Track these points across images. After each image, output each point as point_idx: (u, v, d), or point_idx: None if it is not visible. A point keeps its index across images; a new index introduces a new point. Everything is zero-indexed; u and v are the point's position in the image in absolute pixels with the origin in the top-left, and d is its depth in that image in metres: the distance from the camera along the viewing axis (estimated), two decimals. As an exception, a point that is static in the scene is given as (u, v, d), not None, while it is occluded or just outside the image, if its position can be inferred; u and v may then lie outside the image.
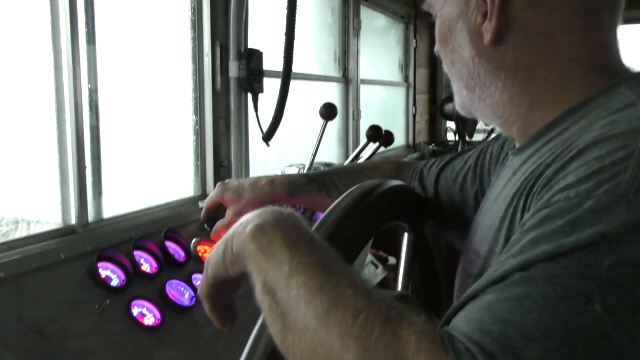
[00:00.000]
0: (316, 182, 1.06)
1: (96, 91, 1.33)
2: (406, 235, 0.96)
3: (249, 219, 0.58)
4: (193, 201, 1.66)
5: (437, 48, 0.80)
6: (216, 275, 0.63)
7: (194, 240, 1.41)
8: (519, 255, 0.47)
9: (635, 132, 0.50)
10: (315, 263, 0.51)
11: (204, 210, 1.11)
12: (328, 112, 1.14)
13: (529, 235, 0.48)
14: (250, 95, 1.71)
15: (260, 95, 1.72)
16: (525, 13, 0.66)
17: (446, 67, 0.78)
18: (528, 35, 0.66)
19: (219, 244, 0.62)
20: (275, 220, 0.57)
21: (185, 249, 1.38)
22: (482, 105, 0.74)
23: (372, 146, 1.18)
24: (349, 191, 0.76)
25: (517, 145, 0.73)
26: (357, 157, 1.21)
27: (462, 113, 0.79)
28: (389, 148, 1.22)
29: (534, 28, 0.66)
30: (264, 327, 0.56)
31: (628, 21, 0.71)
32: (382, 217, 0.80)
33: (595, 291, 0.42)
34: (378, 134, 1.24)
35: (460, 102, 0.78)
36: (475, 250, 0.74)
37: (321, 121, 1.16)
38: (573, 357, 0.40)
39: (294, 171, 1.31)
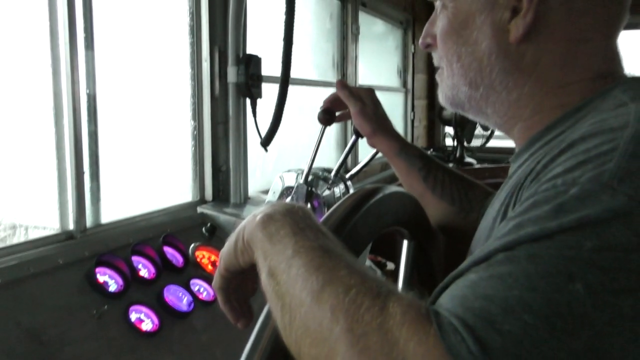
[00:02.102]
0: (424, 160, 1.05)
1: (94, 97, 1.33)
2: (405, 242, 0.96)
3: (261, 209, 0.60)
4: (191, 206, 1.65)
5: (427, 40, 0.79)
6: (227, 265, 0.65)
7: (192, 246, 1.41)
8: (502, 238, 0.48)
9: (621, 127, 0.51)
10: (317, 247, 0.53)
11: (323, 103, 1.12)
12: (326, 117, 1.14)
13: (514, 220, 0.49)
14: (248, 100, 1.71)
15: (259, 100, 1.72)
16: (558, 13, 0.65)
17: (444, 59, 0.75)
18: (553, 36, 0.66)
19: (231, 236, 0.64)
20: (286, 210, 0.59)
21: (183, 254, 1.37)
22: (482, 103, 0.73)
23: (371, 151, 1.18)
24: (350, 193, 0.76)
25: (516, 150, 0.74)
26: (349, 154, 1.21)
27: (448, 107, 0.78)
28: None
29: (560, 29, 0.66)
30: (269, 315, 0.57)
31: (629, 26, 0.71)
32: (382, 221, 0.80)
33: (576, 271, 0.43)
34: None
35: (451, 97, 0.76)
36: (472, 252, 0.75)
37: (319, 126, 1.16)
38: (552, 333, 0.41)
39: (292, 176, 1.31)
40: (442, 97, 0.79)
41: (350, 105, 1.06)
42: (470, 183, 1.05)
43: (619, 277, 0.43)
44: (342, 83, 1.10)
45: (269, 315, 0.57)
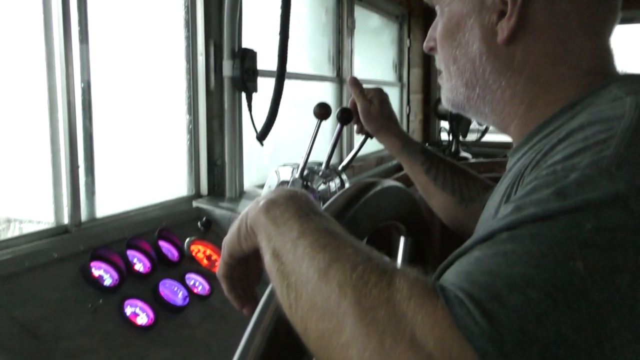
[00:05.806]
0: (426, 155, 1.12)
1: (89, 90, 1.33)
2: (402, 238, 0.96)
3: (263, 196, 0.62)
4: (186, 200, 1.65)
5: (430, 44, 0.81)
6: (231, 252, 0.66)
7: (187, 240, 1.41)
8: (505, 218, 0.50)
9: (618, 117, 0.54)
10: (322, 228, 0.55)
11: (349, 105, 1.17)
12: (322, 111, 1.14)
13: (515, 203, 0.51)
14: (244, 95, 1.71)
15: (254, 95, 1.72)
16: (542, 15, 0.68)
17: (443, 62, 0.78)
18: (540, 37, 0.68)
19: (234, 222, 0.65)
20: (289, 195, 0.60)
21: (179, 248, 1.37)
22: (479, 102, 0.75)
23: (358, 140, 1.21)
24: (348, 186, 0.77)
25: (514, 145, 0.75)
26: (335, 144, 1.24)
27: (450, 108, 0.81)
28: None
29: (547, 30, 0.68)
30: (271, 296, 0.58)
31: (624, 21, 0.72)
32: (380, 214, 0.81)
33: (576, 250, 0.45)
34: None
35: (452, 99, 0.79)
36: None
37: (315, 120, 1.17)
38: (554, 307, 0.43)
39: (287, 170, 1.31)
40: (443, 99, 0.82)
41: (358, 105, 1.14)
42: (471, 176, 1.12)
43: (617, 257, 0.45)
44: (354, 81, 1.18)
45: (270, 296, 0.58)
